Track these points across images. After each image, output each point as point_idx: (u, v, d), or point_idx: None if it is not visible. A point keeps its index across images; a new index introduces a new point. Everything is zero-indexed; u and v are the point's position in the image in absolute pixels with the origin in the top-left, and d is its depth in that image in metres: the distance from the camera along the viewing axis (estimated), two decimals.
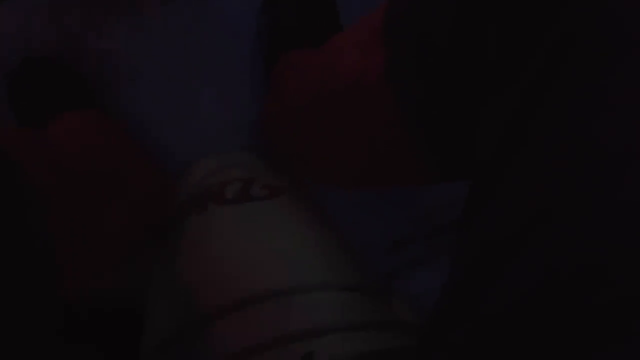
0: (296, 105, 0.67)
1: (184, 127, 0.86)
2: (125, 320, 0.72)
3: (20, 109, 0.81)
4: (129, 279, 0.73)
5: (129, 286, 0.73)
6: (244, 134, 0.85)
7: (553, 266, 0.29)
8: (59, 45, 0.86)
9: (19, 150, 0.52)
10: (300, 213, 0.68)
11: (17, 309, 0.40)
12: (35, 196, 0.49)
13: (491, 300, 0.31)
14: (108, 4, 0.87)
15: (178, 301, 0.61)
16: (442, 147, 0.46)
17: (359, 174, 0.60)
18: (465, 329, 0.33)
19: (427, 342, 0.36)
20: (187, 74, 0.87)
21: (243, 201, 0.68)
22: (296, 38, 0.79)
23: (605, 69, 0.29)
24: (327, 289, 0.57)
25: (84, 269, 0.59)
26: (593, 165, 0.29)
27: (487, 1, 0.36)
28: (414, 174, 0.52)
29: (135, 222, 0.69)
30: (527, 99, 0.32)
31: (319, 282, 0.58)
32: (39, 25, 0.86)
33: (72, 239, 0.56)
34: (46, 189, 0.51)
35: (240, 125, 0.86)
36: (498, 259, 0.31)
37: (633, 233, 0.27)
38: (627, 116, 0.28)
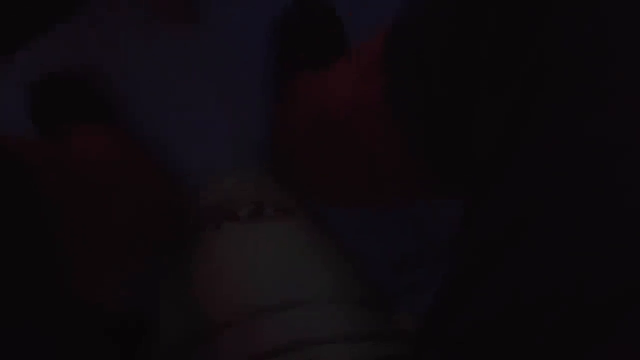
0: (301, 127, 0.70)
1: (196, 143, 0.89)
2: (132, 330, 0.75)
3: (39, 120, 0.85)
4: (138, 289, 0.76)
5: (139, 296, 0.76)
6: (256, 152, 0.88)
7: (526, 279, 0.31)
8: (76, 60, 0.89)
9: (36, 160, 0.55)
10: (309, 233, 0.71)
11: (28, 314, 0.43)
12: (50, 204, 0.52)
13: (476, 306, 0.33)
14: (124, 23, 0.90)
15: (187, 313, 0.64)
16: (443, 163, 0.47)
17: (361, 193, 0.63)
18: (463, 327, 0.34)
19: (424, 340, 0.38)
20: (201, 93, 0.90)
21: (256, 221, 0.71)
22: (303, 60, 0.82)
23: (589, 82, 0.31)
24: (332, 301, 0.59)
25: (95, 278, 0.62)
26: (571, 176, 0.30)
27: (474, 31, 0.38)
28: (415, 189, 0.54)
29: (147, 233, 0.72)
30: (517, 113, 0.33)
31: (326, 296, 0.60)
32: (57, 40, 0.90)
33: (84, 248, 0.59)
34: (60, 198, 0.54)
35: (251, 144, 0.89)
36: (484, 266, 0.33)
37: (610, 242, 0.28)
38: (617, 121, 0.29)
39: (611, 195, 0.29)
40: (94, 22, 0.90)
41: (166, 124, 0.89)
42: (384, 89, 0.50)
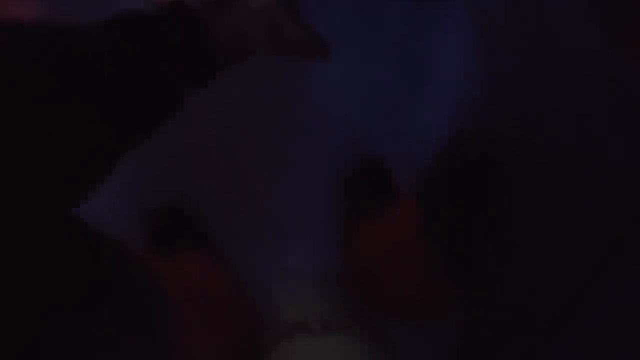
0: (362, 258, 0.88)
1: (276, 268, 1.06)
2: None
3: (153, 242, 1.03)
4: None
5: None
6: (325, 276, 1.04)
7: None
8: (181, 196, 1.08)
9: (156, 272, 0.74)
10: (370, 345, 0.87)
11: None
12: (167, 307, 0.70)
13: None
14: (217, 169, 1.10)
15: None
16: (464, 276, 0.65)
17: (410, 305, 0.79)
18: None
19: None
20: (280, 228, 1.08)
21: (324, 334, 0.88)
22: (361, 204, 1.01)
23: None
24: None
25: None
26: None
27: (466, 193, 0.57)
28: (446, 298, 0.71)
29: (235, 343, 0.89)
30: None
31: None
32: (166, 177, 1.09)
33: (191, 346, 0.76)
34: (173, 304, 0.72)
35: (321, 270, 1.05)
36: None
37: None
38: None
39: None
40: (193, 169, 1.10)
41: (250, 251, 1.06)
42: (421, 226, 0.69)
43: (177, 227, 1.02)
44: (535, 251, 0.47)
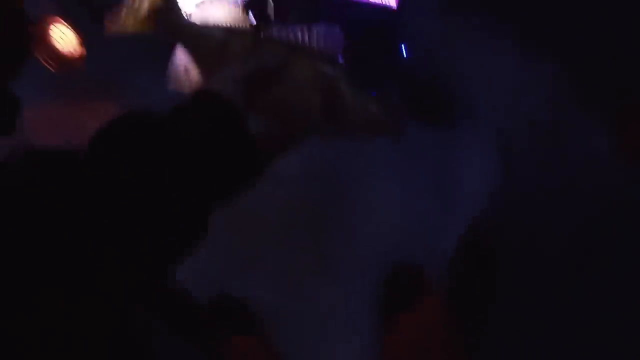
0: (401, 349, 0.99)
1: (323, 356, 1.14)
2: None
3: (209, 325, 1.13)
4: None
5: None
6: None
7: None
8: (237, 286, 1.19)
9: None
10: None
11: None
12: None
13: None
14: (271, 265, 1.21)
15: None
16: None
17: None
18: None
19: None
20: (328, 323, 1.17)
21: None
22: (401, 306, 1.12)
23: None
24: None
25: None
26: None
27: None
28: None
29: None
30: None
31: None
32: (223, 269, 1.21)
33: None
34: None
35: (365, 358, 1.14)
36: None
37: None
38: None
39: None
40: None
41: (300, 340, 1.15)
42: (447, 315, 0.81)
43: (231, 314, 1.13)
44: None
